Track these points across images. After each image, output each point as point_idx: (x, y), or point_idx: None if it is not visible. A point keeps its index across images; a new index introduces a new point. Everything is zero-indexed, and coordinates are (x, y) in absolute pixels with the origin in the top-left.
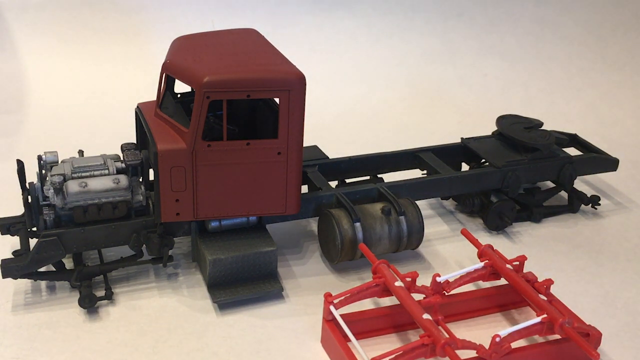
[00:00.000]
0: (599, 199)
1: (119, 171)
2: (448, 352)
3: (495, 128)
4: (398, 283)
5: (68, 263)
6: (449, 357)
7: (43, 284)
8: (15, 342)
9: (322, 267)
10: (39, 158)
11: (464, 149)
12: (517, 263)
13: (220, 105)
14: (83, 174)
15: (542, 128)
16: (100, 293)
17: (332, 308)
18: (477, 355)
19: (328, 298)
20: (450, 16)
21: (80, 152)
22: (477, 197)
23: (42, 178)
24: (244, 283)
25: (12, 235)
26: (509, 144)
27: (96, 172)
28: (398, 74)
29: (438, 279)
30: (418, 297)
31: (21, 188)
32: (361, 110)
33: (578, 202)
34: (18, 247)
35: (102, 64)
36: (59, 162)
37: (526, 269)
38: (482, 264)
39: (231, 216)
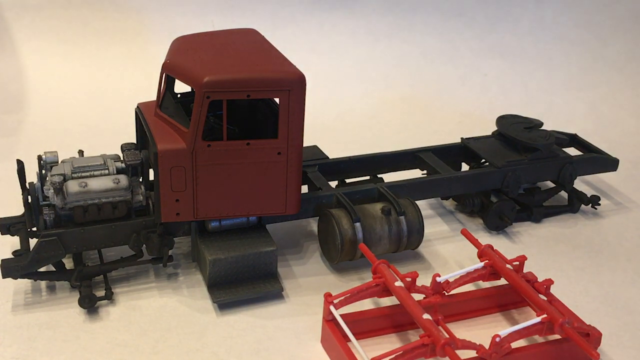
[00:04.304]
0: (599, 199)
1: (119, 171)
2: (448, 352)
3: (495, 128)
4: (398, 283)
5: (68, 263)
6: (449, 357)
7: (43, 284)
8: (15, 342)
9: (322, 267)
10: (39, 158)
11: (464, 149)
12: (517, 263)
13: (220, 105)
14: (83, 174)
15: (542, 128)
16: (100, 293)
17: (332, 308)
18: (477, 355)
19: (328, 298)
20: (450, 16)
21: (80, 152)
22: (477, 197)
23: (42, 178)
24: (244, 283)
25: (12, 235)
26: (509, 144)
27: (96, 172)
28: (398, 74)
29: (438, 279)
30: (418, 297)
31: (21, 188)
32: (361, 110)
33: (578, 202)
34: (18, 247)
35: (102, 64)
36: (59, 162)
37: (526, 269)
38: (482, 264)
39: (231, 216)
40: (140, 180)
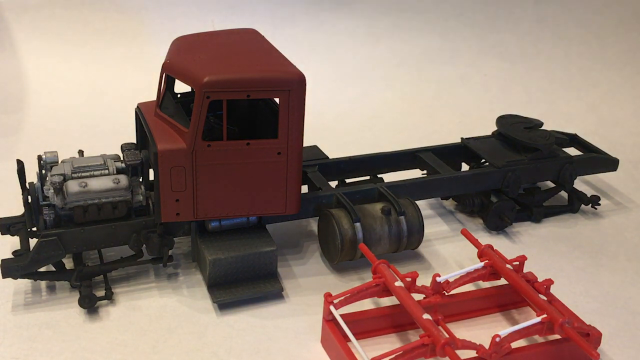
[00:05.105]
0: (599, 199)
1: (119, 171)
2: (448, 352)
3: (495, 128)
4: (398, 283)
5: (68, 263)
6: (449, 357)
7: (43, 284)
8: (15, 342)
9: (322, 267)
10: (39, 158)
11: (464, 149)
12: (517, 263)
13: (220, 105)
14: (83, 174)
15: (542, 128)
16: (100, 293)
17: (332, 308)
18: (477, 355)
19: (328, 298)
20: (450, 16)
21: (80, 152)
22: (477, 197)
23: (42, 178)
24: (244, 283)
25: (12, 235)
26: (509, 144)
27: (96, 172)
28: (398, 74)
29: (438, 279)
30: (418, 297)
31: (21, 188)
32: (361, 110)
33: (578, 202)
34: (18, 247)
35: (102, 64)
36: (59, 162)
37: (526, 269)
38: (482, 264)
39: (231, 216)
40: (140, 180)
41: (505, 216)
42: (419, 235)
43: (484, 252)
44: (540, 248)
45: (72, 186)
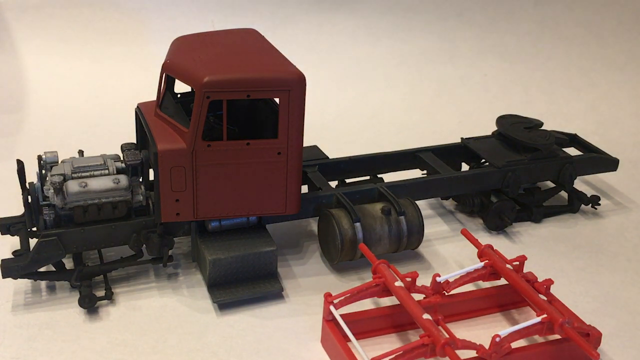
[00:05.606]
0: (599, 199)
1: (119, 171)
2: (448, 352)
3: (495, 128)
4: (398, 283)
5: (68, 263)
6: (449, 357)
7: (43, 284)
8: (15, 342)
9: (322, 267)
10: (39, 158)
11: (464, 149)
12: (517, 263)
13: (220, 105)
14: (83, 174)
15: (542, 128)
16: (100, 293)
17: (332, 308)
18: (477, 355)
19: (328, 298)
20: (450, 16)
21: (80, 152)
22: (477, 197)
23: (42, 178)
24: (244, 283)
25: (12, 235)
26: (509, 144)
27: (96, 172)
28: (398, 74)
29: (438, 279)
30: (418, 297)
31: (21, 188)
32: (361, 110)
33: (578, 202)
34: (18, 247)
35: (102, 64)
36: (59, 162)
37: (526, 269)
38: (482, 264)
39: (231, 216)
40: (140, 180)
41: (505, 216)
42: (419, 235)
43: (484, 252)
44: (540, 248)
45: (72, 186)
